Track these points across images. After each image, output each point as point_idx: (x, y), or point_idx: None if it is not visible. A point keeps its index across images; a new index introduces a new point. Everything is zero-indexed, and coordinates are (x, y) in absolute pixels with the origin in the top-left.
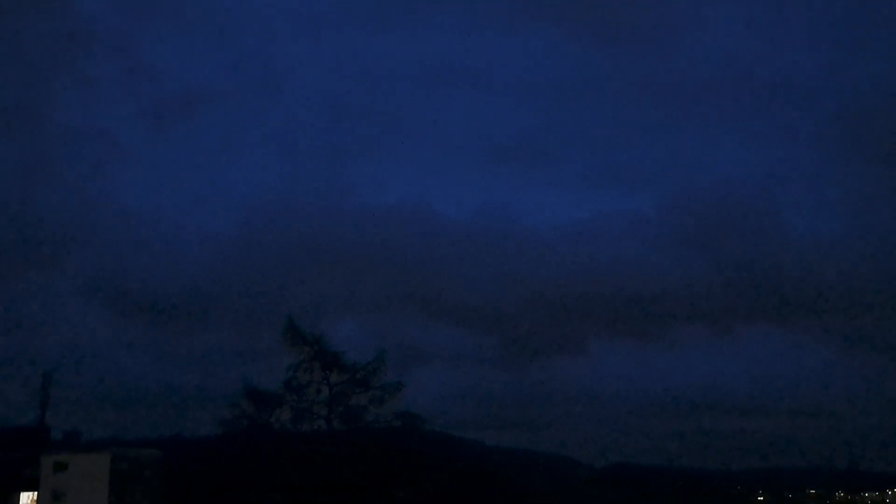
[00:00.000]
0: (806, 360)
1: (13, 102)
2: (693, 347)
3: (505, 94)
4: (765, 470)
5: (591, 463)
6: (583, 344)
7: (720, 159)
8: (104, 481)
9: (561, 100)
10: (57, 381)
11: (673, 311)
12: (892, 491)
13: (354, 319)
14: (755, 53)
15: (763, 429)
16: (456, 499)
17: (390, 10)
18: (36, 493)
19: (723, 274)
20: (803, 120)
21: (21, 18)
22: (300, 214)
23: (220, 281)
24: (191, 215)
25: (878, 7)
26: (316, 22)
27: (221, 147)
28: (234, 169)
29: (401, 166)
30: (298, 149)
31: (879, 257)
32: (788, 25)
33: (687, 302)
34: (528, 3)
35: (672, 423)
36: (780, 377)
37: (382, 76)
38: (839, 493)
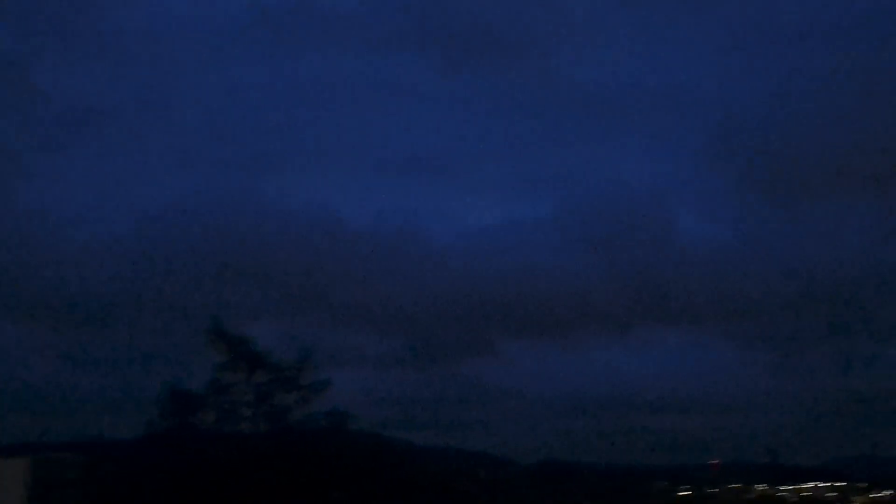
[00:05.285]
0: (706, 360)
1: None
2: (597, 348)
3: (409, 106)
4: (687, 466)
5: (518, 460)
6: (492, 346)
7: (616, 166)
8: (21, 488)
9: (464, 112)
10: None
11: (576, 314)
12: (815, 484)
13: (264, 324)
14: (647, 65)
15: (680, 426)
16: (392, 499)
17: (288, 29)
18: None
19: (620, 278)
20: (693, 129)
21: None
22: (204, 221)
23: (127, 287)
24: (94, 225)
25: (765, 20)
26: (217, 40)
27: (121, 161)
28: (135, 181)
29: (307, 177)
30: (200, 161)
31: (768, 262)
32: (678, 38)
33: (589, 305)
34: (424, 20)
35: (591, 421)
36: (684, 376)
37: (284, 91)
38: (759, 487)
